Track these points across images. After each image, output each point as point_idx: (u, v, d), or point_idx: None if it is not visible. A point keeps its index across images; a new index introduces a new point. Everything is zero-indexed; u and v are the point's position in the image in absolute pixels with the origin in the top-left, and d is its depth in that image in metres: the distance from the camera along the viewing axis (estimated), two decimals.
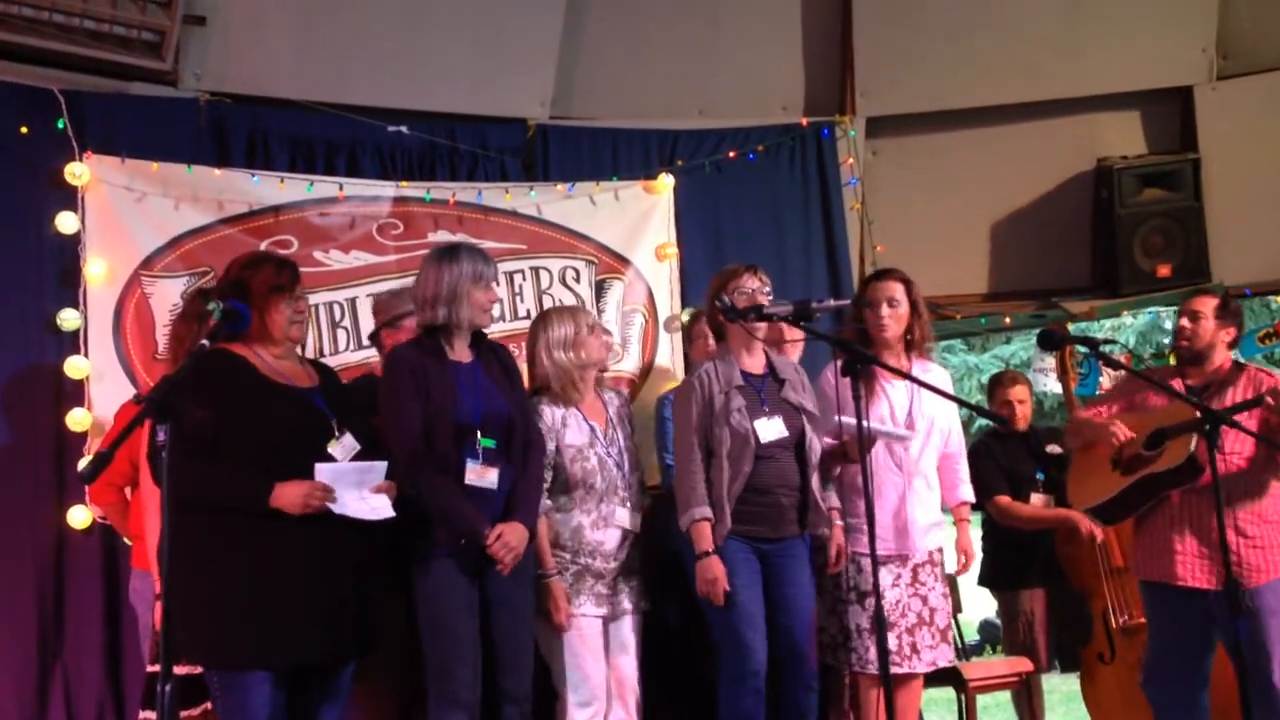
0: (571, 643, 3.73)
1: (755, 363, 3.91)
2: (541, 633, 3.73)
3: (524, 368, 4.06)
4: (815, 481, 3.82)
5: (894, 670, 3.87)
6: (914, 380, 3.81)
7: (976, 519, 5.07)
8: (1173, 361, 4.18)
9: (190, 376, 2.89)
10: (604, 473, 3.81)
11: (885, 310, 4.05)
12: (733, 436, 3.74)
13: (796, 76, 6.19)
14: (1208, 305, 3.97)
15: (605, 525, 3.79)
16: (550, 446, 3.78)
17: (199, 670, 3.17)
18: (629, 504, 3.85)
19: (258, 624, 3.04)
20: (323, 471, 3.12)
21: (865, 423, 3.25)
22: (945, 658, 4.07)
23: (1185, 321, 3.97)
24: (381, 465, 3.24)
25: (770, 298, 3.87)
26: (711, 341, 4.16)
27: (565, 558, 3.77)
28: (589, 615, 3.76)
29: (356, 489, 3.17)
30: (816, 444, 3.85)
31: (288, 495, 3.05)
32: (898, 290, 4.10)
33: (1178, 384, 3.87)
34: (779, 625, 3.74)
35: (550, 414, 3.83)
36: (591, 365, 3.91)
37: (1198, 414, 3.46)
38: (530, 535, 3.51)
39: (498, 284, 3.68)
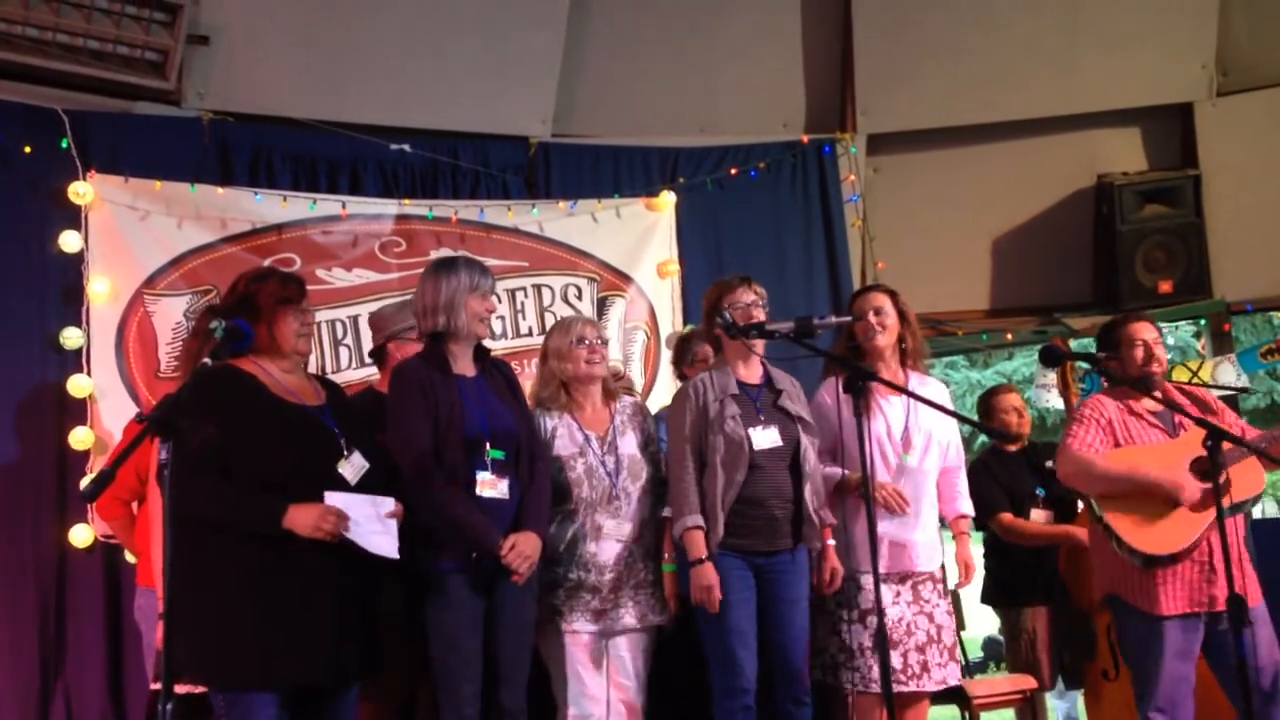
0: (569, 657, 3.71)
1: (752, 374, 3.90)
2: (543, 644, 3.72)
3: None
4: (809, 493, 3.79)
5: (902, 689, 3.87)
6: (912, 395, 3.80)
7: (977, 536, 5.06)
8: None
9: (191, 394, 2.89)
10: (592, 481, 3.77)
11: (872, 319, 4.04)
12: (727, 444, 3.72)
13: (798, 94, 6.22)
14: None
15: (598, 537, 3.77)
16: None
17: (201, 689, 3.16)
18: (622, 514, 3.78)
19: (263, 645, 3.02)
20: (334, 499, 3.10)
21: (865, 442, 3.27)
22: (954, 676, 4.04)
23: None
24: (390, 501, 3.21)
25: (767, 309, 3.87)
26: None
27: (560, 571, 3.74)
28: (582, 631, 3.72)
29: (365, 520, 3.14)
30: (811, 454, 3.82)
31: (301, 518, 3.04)
32: (884, 301, 4.08)
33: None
34: (772, 640, 3.72)
35: (540, 424, 3.81)
36: (579, 380, 3.87)
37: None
38: (543, 545, 3.51)
39: (496, 297, 3.68)
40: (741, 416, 3.75)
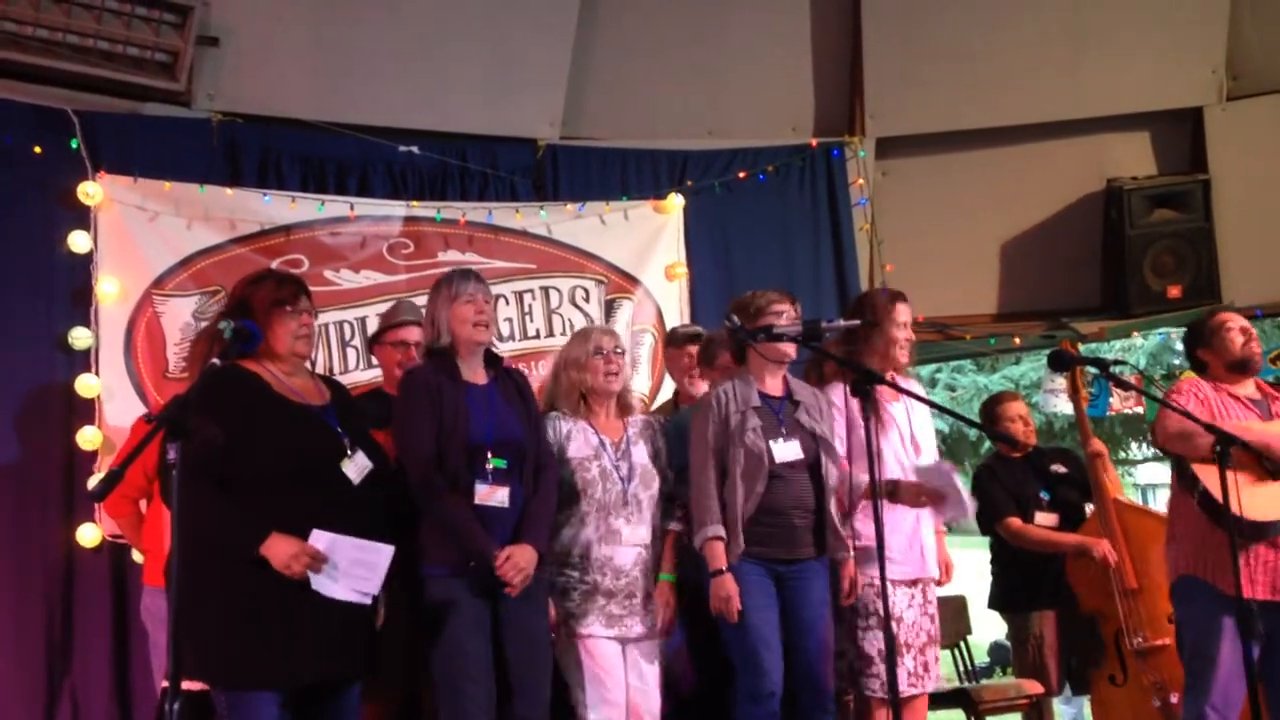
0: (587, 663, 3.69)
1: (774, 385, 3.89)
2: (558, 650, 3.70)
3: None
4: (832, 505, 3.79)
5: (912, 692, 3.89)
6: (918, 398, 3.81)
7: (983, 541, 5.06)
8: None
9: (200, 395, 2.90)
10: (606, 484, 3.77)
11: (906, 334, 4.05)
12: (747, 456, 3.71)
13: (806, 97, 6.21)
14: None
15: (613, 541, 3.76)
16: None
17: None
18: (634, 520, 3.78)
19: (265, 644, 3.02)
20: (319, 539, 3.07)
21: (874, 443, 3.27)
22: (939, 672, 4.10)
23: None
24: (388, 550, 3.16)
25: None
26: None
27: (574, 576, 3.74)
28: (599, 636, 3.71)
29: (347, 564, 3.10)
30: (833, 468, 3.82)
31: (278, 551, 3.02)
32: (911, 314, 4.11)
33: None
34: (795, 648, 3.70)
35: (555, 426, 3.83)
36: (597, 391, 3.87)
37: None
38: (540, 558, 3.49)
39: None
40: (763, 429, 3.75)
